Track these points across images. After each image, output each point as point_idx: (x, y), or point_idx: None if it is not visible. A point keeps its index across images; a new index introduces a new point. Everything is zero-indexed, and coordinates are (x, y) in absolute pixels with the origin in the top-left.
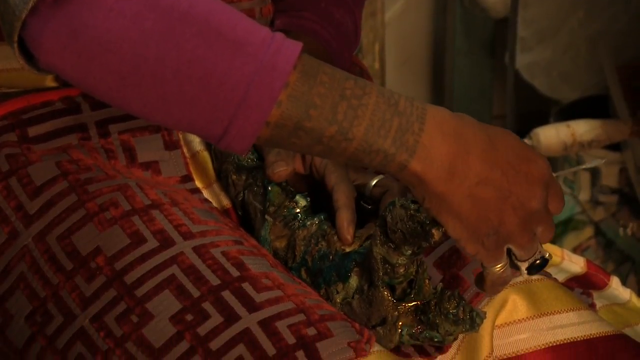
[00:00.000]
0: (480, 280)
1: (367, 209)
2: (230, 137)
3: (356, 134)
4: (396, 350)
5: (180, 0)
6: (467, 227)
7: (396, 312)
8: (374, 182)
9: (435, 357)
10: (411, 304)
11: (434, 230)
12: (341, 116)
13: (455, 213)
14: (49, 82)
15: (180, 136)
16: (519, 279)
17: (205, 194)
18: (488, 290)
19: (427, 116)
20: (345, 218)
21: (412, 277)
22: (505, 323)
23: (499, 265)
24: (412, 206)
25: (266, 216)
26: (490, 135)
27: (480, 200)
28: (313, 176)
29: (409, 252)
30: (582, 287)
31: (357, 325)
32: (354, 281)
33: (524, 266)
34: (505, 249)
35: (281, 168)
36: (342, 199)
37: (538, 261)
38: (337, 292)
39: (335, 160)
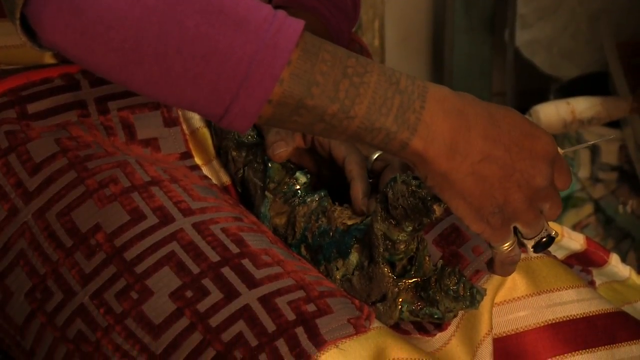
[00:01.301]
0: (491, 262)
1: (369, 182)
2: (232, 116)
3: (358, 112)
4: (395, 327)
5: None
6: (471, 206)
7: (396, 289)
8: (375, 156)
9: (435, 335)
10: (411, 281)
11: (435, 206)
12: (343, 94)
13: (458, 191)
14: (48, 58)
15: (180, 113)
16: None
17: (205, 170)
18: (498, 271)
19: (428, 94)
20: (360, 189)
21: (412, 253)
22: (505, 301)
23: (506, 244)
24: (414, 182)
25: (266, 193)
26: (492, 113)
27: (483, 177)
28: (315, 151)
29: (410, 228)
30: (581, 264)
31: (356, 301)
32: (354, 257)
33: (530, 244)
34: (511, 227)
35: (281, 149)
36: (356, 169)
37: (544, 239)
38: (337, 269)
39: (337, 138)
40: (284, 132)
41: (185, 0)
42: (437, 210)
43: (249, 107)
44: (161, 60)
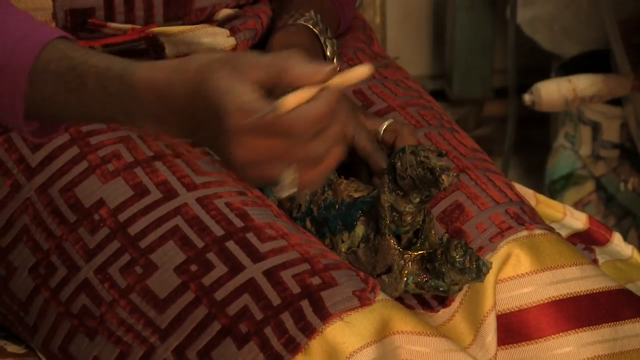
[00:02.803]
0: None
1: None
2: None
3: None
4: (400, 302)
5: None
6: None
7: (402, 261)
8: (383, 128)
9: (438, 311)
10: (417, 253)
11: (443, 176)
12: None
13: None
14: None
15: None
16: (522, 233)
17: None
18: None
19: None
20: (379, 160)
21: (418, 226)
22: (509, 277)
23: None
24: (422, 152)
25: None
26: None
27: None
28: None
29: (417, 200)
30: (584, 243)
31: (361, 273)
32: (360, 230)
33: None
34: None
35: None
36: (368, 145)
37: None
38: (343, 242)
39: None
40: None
41: None
42: (446, 180)
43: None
44: None
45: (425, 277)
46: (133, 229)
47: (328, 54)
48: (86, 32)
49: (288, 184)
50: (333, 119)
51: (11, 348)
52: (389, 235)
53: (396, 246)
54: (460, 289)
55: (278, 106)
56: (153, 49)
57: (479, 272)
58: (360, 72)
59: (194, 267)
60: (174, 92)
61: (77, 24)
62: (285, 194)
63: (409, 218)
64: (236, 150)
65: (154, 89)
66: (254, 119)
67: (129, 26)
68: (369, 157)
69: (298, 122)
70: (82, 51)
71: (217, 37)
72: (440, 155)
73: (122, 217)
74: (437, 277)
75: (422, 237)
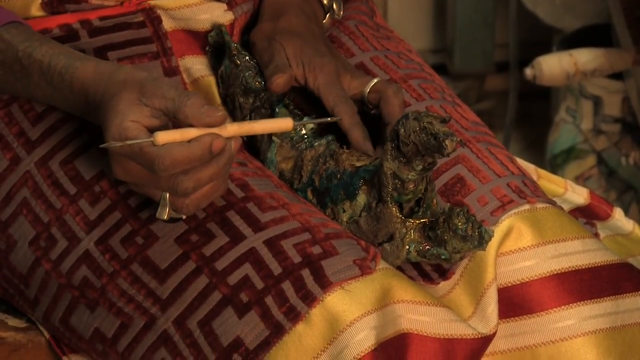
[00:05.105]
0: None
1: (371, 113)
2: None
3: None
4: (400, 271)
5: None
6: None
7: (404, 229)
8: (367, 89)
9: (438, 283)
10: (419, 221)
11: (447, 142)
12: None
13: None
14: (35, 11)
15: (180, 62)
16: (524, 207)
17: None
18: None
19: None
20: (358, 136)
21: (420, 194)
22: (510, 251)
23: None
24: (426, 118)
25: (273, 137)
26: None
27: None
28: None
29: (420, 167)
30: (585, 217)
31: (362, 242)
32: (361, 199)
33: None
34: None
35: (278, 77)
36: (346, 120)
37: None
38: (344, 211)
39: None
40: (281, 64)
41: None
42: (450, 145)
43: None
44: None
45: (427, 245)
46: (133, 200)
47: (325, 1)
48: (73, 4)
49: (163, 206)
50: (210, 161)
51: (12, 322)
52: (391, 203)
53: (398, 214)
54: (462, 258)
55: (152, 139)
56: (150, 22)
57: (481, 239)
58: (269, 126)
59: (194, 237)
60: (97, 98)
61: None
62: (164, 215)
63: (411, 186)
64: (114, 167)
65: (84, 90)
66: (123, 144)
67: None
68: (347, 132)
69: (162, 157)
70: (27, 43)
71: (215, 13)
72: (443, 121)
73: (123, 188)
74: (439, 245)
75: (424, 205)
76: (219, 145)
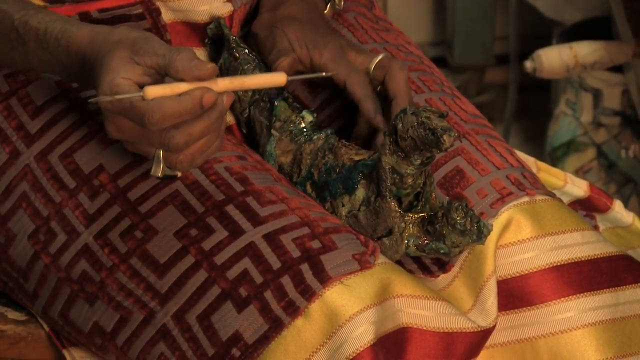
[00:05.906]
0: None
1: (376, 92)
2: None
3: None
4: (400, 266)
5: None
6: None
7: (403, 223)
8: (372, 66)
9: (438, 276)
10: (418, 215)
11: (445, 137)
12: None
13: None
14: (35, 2)
15: None
16: (523, 199)
17: None
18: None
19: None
20: (370, 109)
21: (419, 189)
22: (510, 243)
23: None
24: (424, 113)
25: (272, 131)
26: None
27: None
28: (319, 88)
29: (418, 161)
30: (585, 210)
31: (362, 237)
32: (360, 193)
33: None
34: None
35: (282, 60)
36: (359, 90)
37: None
38: (343, 205)
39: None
40: (283, 48)
41: None
42: (447, 140)
43: None
44: None
45: (426, 240)
46: (133, 194)
47: None
48: None
49: (157, 163)
50: (202, 115)
51: (12, 315)
52: (389, 198)
53: (397, 208)
54: (461, 251)
55: (142, 93)
56: (149, 14)
57: (480, 233)
58: (262, 81)
59: (193, 232)
60: (92, 60)
61: None
62: (158, 172)
63: (409, 180)
64: (107, 125)
65: (80, 53)
66: (112, 99)
67: None
68: (359, 103)
69: (152, 111)
70: (23, 12)
71: (214, 5)
72: (441, 116)
73: (122, 182)
74: (437, 239)
75: (423, 199)
76: (210, 98)
